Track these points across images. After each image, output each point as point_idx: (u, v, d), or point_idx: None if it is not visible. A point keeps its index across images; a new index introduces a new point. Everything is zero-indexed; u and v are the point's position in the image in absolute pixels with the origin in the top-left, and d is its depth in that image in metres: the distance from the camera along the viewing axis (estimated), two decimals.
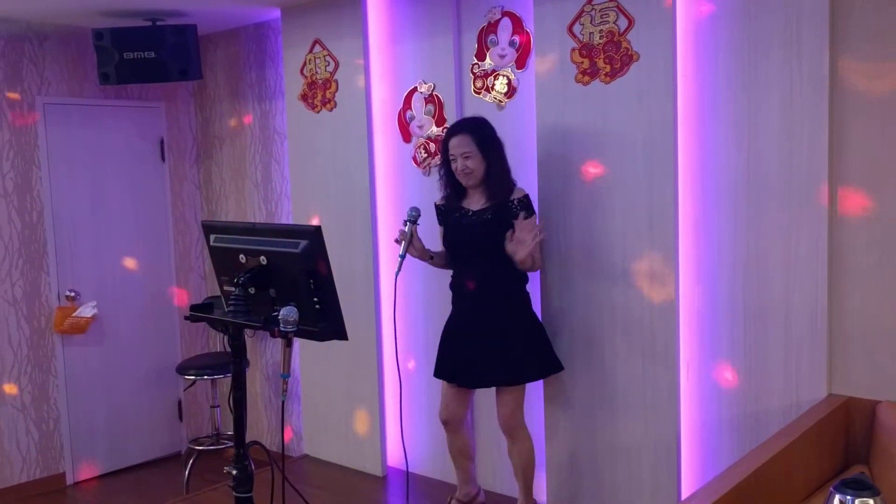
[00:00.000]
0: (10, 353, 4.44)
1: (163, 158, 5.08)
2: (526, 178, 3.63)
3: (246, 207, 4.97)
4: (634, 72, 3.19)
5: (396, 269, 3.27)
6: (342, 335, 2.57)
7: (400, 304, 4.17)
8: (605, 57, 3.25)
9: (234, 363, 2.62)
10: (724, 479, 2.13)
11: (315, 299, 2.51)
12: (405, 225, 3.26)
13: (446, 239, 3.37)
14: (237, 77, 4.92)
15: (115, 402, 4.87)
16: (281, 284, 2.58)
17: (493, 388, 3.37)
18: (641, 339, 3.27)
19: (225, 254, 2.75)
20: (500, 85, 3.69)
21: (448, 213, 3.34)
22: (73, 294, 4.65)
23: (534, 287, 3.65)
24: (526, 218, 3.20)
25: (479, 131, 3.23)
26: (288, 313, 2.41)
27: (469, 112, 3.82)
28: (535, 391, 3.70)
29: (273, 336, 2.46)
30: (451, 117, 3.85)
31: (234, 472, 2.62)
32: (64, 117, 4.62)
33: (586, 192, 3.38)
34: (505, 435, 3.38)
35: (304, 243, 2.49)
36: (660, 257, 3.20)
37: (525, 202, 3.23)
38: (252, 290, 2.61)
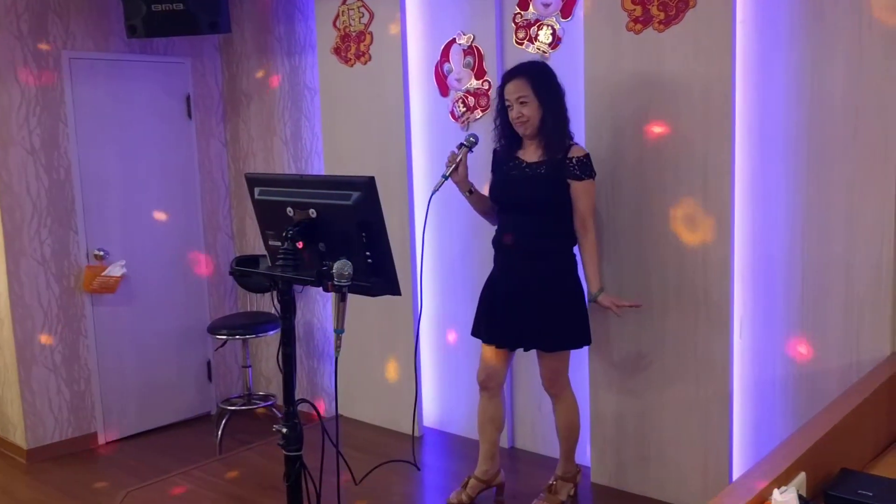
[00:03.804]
0: (40, 312, 4.39)
1: (189, 115, 4.97)
2: (573, 132, 3.52)
3: (275, 165, 4.87)
4: (690, 19, 3.06)
5: (434, 188, 3.08)
6: (395, 290, 2.49)
7: (437, 262, 4.11)
8: (659, 4, 3.12)
9: (284, 319, 2.54)
10: (802, 437, 2.07)
11: (367, 253, 2.43)
12: (458, 148, 3.09)
13: (493, 188, 3.21)
14: (265, 31, 4.79)
15: (144, 361, 4.83)
16: (331, 238, 2.50)
17: (534, 350, 3.28)
18: (694, 296, 3.19)
19: (271, 207, 2.67)
20: (545, 35, 3.56)
21: (501, 162, 3.19)
22: (101, 253, 4.59)
23: None
24: (580, 180, 3.04)
25: (538, 76, 3.05)
26: (342, 267, 2.33)
27: (510, 64, 3.70)
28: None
29: (326, 291, 2.38)
30: (492, 70, 3.73)
31: (284, 430, 2.56)
32: (90, 72, 4.52)
33: (638, 146, 3.27)
34: (549, 396, 3.31)
35: (356, 195, 2.41)
36: (714, 212, 3.10)
37: (584, 164, 3.04)
38: (300, 245, 2.54)
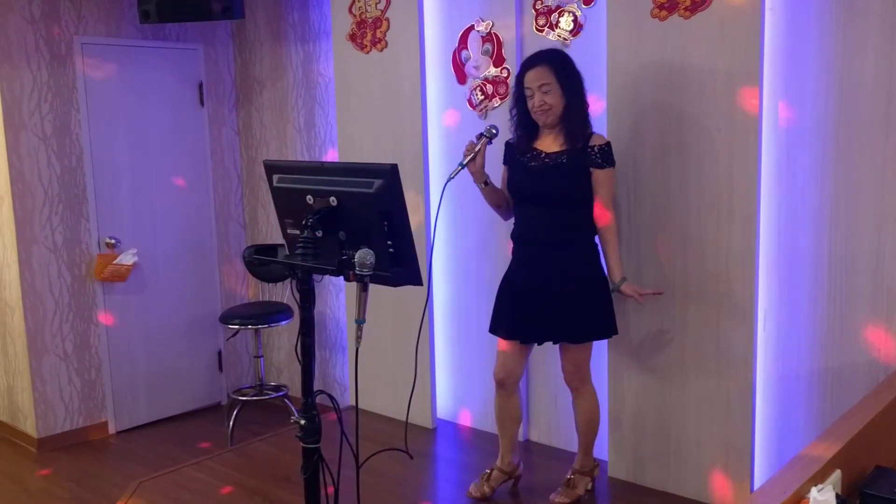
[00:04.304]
0: (51, 300, 4.36)
1: (201, 103, 4.92)
2: (594, 121, 3.46)
3: (287, 154, 4.82)
4: (717, 5, 2.99)
5: (450, 175, 3.00)
6: (417, 280, 2.43)
7: (454, 254, 4.06)
8: None
9: (304, 309, 2.49)
10: (837, 434, 2.01)
11: (389, 242, 2.38)
12: (478, 138, 3.03)
13: (511, 181, 3.14)
14: (279, 17, 4.73)
15: (155, 351, 4.80)
16: (351, 227, 2.45)
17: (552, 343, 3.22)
18: (716, 288, 3.13)
19: (290, 195, 2.61)
20: (566, 22, 3.50)
21: (517, 154, 3.12)
22: (113, 241, 4.55)
23: None
24: (602, 168, 2.99)
25: (560, 63, 2.98)
26: (364, 256, 2.28)
27: (530, 52, 3.63)
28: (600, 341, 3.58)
29: (348, 280, 2.33)
30: (511, 57, 3.67)
31: (303, 422, 2.51)
32: (102, 59, 4.47)
33: (661, 136, 3.21)
34: (570, 389, 3.26)
35: (378, 182, 2.35)
36: (739, 202, 3.04)
37: (606, 152, 3.00)
38: (319, 233, 2.49)
